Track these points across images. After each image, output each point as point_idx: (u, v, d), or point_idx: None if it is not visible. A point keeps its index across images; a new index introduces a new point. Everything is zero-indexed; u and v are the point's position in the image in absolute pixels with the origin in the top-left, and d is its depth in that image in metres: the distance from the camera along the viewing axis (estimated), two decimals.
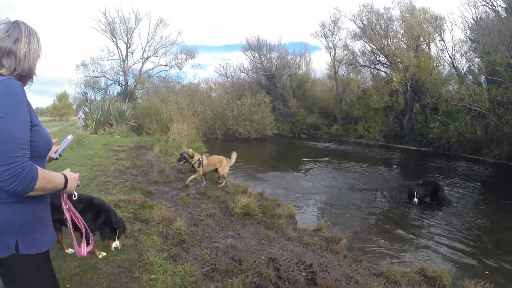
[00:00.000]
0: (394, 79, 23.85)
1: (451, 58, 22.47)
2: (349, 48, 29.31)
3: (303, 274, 4.16)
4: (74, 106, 56.97)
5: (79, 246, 2.12)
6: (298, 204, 8.03)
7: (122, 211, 5.61)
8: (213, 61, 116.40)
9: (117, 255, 4.11)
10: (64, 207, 2.03)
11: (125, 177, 8.24)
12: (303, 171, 12.60)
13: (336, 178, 11.62)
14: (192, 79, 40.21)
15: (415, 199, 7.93)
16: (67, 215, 2.04)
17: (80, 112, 25.15)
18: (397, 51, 23.91)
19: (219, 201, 6.82)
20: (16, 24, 1.74)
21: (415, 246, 5.90)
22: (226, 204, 6.52)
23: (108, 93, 34.03)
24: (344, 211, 7.77)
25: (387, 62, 25.63)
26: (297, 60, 36.32)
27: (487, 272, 4.94)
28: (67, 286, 3.31)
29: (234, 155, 8.66)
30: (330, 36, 31.56)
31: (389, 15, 26.21)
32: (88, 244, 2.17)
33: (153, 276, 3.69)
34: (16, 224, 1.72)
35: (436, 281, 4.24)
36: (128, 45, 33.08)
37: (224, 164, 8.16)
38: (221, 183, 8.29)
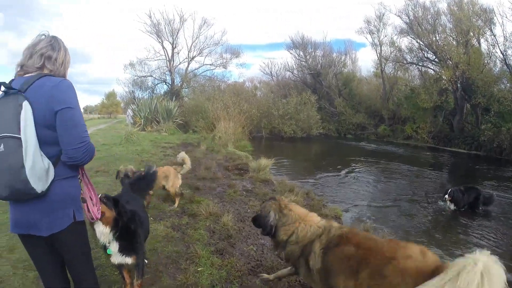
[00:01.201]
0: (443, 77, 22.48)
1: (502, 54, 20.92)
2: (396, 44, 27.89)
3: None
4: (122, 105, 59.01)
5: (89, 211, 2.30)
6: (344, 205, 7.85)
7: (170, 205, 5.78)
8: (257, 60, 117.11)
9: (165, 246, 4.21)
10: (81, 172, 2.25)
11: None
12: (349, 172, 12.30)
13: (382, 180, 11.27)
14: (237, 78, 40.58)
15: (446, 196, 7.66)
16: (84, 181, 2.28)
17: (129, 110, 26.02)
18: (445, 47, 22.46)
19: (266, 198, 6.76)
20: (55, 38, 2.15)
21: (461, 255, 5.55)
22: None
23: (155, 92, 35.04)
24: (390, 214, 7.52)
25: (436, 59, 24.20)
26: (342, 58, 35.53)
27: None
28: (115, 273, 3.42)
29: (186, 159, 6.49)
30: (376, 33, 30.42)
31: (436, 9, 24.73)
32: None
33: (199, 269, 3.75)
34: (71, 196, 2.09)
35: None
36: (174, 46, 33.94)
37: (173, 177, 5.96)
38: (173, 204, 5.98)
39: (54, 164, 1.98)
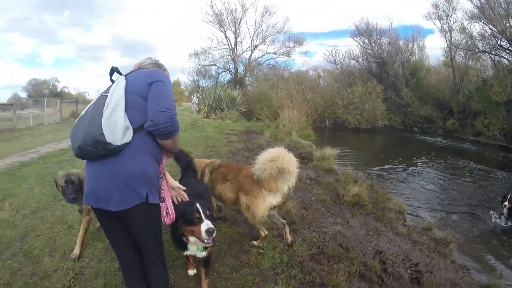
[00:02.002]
0: None
1: None
2: (467, 31, 25.29)
3: (408, 271, 3.98)
4: (186, 93, 60.75)
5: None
6: (407, 200, 7.68)
7: None
8: (320, 48, 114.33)
9: (229, 227, 4.37)
10: (162, 170, 2.34)
11: (237, 158, 8.65)
12: (414, 167, 11.84)
13: (449, 178, 10.64)
14: (301, 67, 40.09)
15: (506, 203, 6.66)
16: (164, 181, 2.38)
17: (194, 98, 26.68)
18: None
19: (330, 188, 6.75)
20: (160, 62, 2.59)
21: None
22: (337, 191, 6.45)
23: (219, 80, 35.54)
24: (456, 213, 7.23)
25: (510, 47, 21.79)
26: (410, 45, 33.18)
27: None
28: (171, 248, 3.53)
29: None
30: (445, 18, 27.59)
31: None
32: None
33: (261, 251, 3.86)
34: (147, 174, 2.14)
35: None
36: (236, 35, 34.16)
37: None
38: None
39: (135, 131, 2.09)
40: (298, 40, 34.82)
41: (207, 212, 2.60)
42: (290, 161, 3.53)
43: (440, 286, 3.70)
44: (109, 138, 1.94)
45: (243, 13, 33.64)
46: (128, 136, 2.04)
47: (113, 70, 2.29)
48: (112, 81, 2.26)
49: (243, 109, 23.15)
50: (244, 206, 3.80)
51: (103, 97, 2.08)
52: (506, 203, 6.71)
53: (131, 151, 2.07)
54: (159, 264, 2.39)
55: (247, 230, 4.34)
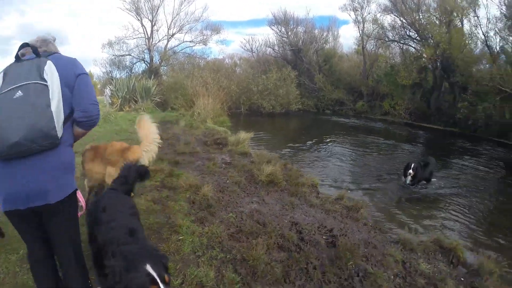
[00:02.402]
0: (424, 55, 22.41)
1: (484, 36, 20.79)
2: (379, 22, 27.53)
3: (324, 237, 4.28)
4: (98, 86, 57.93)
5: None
6: (321, 174, 8.11)
7: (150, 180, 5.81)
8: (238, 37, 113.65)
9: (147, 218, 4.31)
10: None
11: None
12: (326, 145, 12.53)
13: (359, 152, 11.50)
14: (217, 55, 39.92)
15: (410, 171, 7.44)
16: None
17: (107, 90, 25.40)
18: (428, 26, 22.37)
19: (245, 170, 6.91)
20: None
21: (433, 220, 5.94)
22: (252, 172, 6.62)
23: (133, 71, 33.89)
24: (365, 183, 7.80)
25: (418, 37, 24.13)
26: (325, 34, 34.65)
27: None
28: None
29: None
30: (359, 10, 29.65)
31: None
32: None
33: (181, 237, 3.87)
34: (73, 163, 2.16)
35: (451, 252, 4.26)
36: (153, 23, 32.79)
37: None
38: None
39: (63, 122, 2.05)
40: (215, 28, 34.28)
41: (165, 276, 1.79)
42: (143, 120, 4.76)
43: (354, 246, 4.00)
44: (58, 130, 1.92)
45: (161, 0, 32.42)
46: (63, 128, 2.01)
47: (24, 46, 2.16)
48: (18, 57, 2.10)
49: (158, 100, 22.49)
50: (112, 177, 3.70)
51: (37, 85, 1.91)
52: (410, 171, 7.44)
53: (62, 142, 2.02)
54: (80, 260, 2.34)
55: (164, 219, 4.32)
